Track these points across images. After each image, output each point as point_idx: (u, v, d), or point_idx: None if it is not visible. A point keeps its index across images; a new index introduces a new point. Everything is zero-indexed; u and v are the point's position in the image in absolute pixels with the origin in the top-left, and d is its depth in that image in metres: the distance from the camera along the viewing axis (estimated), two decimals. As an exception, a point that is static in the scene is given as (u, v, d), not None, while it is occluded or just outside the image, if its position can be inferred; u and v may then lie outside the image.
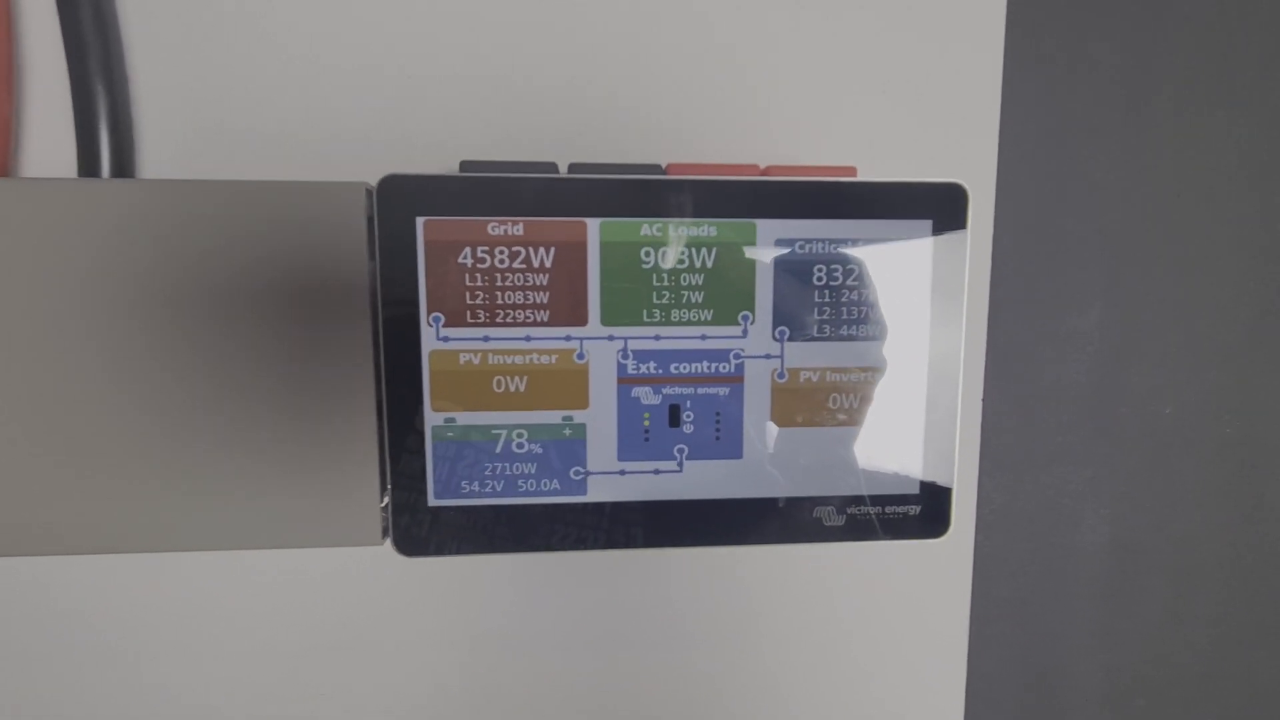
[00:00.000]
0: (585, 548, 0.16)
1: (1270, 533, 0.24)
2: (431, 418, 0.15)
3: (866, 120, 0.21)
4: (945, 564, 0.23)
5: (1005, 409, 0.23)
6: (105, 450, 0.14)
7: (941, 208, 0.16)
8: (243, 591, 0.21)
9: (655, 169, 0.16)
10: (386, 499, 0.15)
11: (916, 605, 0.23)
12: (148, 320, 0.14)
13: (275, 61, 0.19)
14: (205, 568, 0.21)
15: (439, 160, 0.20)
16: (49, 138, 0.18)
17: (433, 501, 0.15)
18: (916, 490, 0.16)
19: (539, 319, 0.15)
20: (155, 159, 0.19)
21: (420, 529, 0.15)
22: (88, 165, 0.17)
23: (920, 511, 0.16)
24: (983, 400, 0.23)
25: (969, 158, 0.21)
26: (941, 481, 0.16)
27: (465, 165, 0.16)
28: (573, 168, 0.16)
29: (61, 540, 0.14)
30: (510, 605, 0.22)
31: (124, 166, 0.17)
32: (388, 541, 0.15)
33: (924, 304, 0.16)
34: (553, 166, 0.16)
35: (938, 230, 0.16)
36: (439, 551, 0.15)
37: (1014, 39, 0.21)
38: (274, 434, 0.15)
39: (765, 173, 0.17)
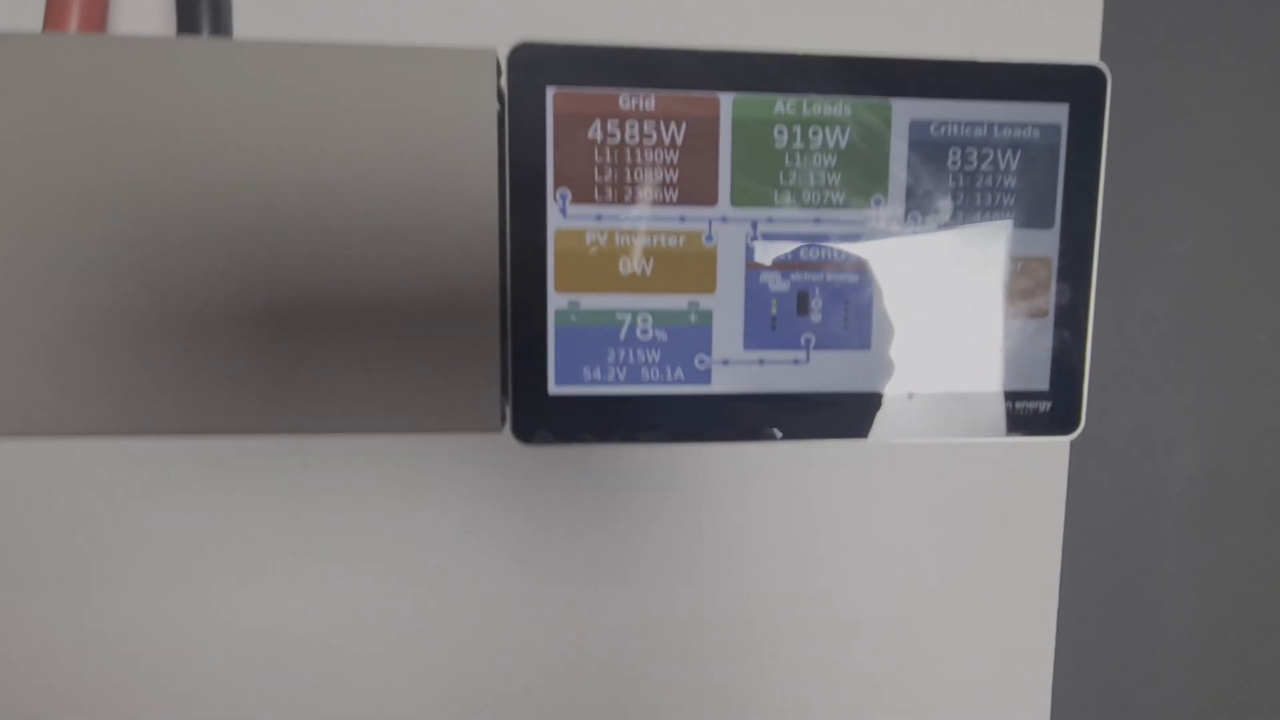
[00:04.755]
0: (707, 440, 0.15)
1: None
2: (555, 300, 0.14)
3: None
4: (1038, 493, 0.22)
5: (1097, 336, 0.22)
6: (224, 331, 0.14)
7: (1079, 91, 0.15)
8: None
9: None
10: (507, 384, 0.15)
11: (1009, 534, 0.22)
12: (254, 190, 0.14)
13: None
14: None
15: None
16: None
17: (554, 389, 0.15)
18: (1047, 386, 0.16)
19: (668, 198, 0.14)
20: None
21: (540, 417, 0.15)
22: (187, 22, 0.16)
23: (1051, 407, 0.16)
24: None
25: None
26: (1073, 376, 0.16)
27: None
28: None
29: (193, 420, 0.14)
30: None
31: (221, 24, 0.16)
32: (507, 428, 0.15)
33: (1058, 193, 0.15)
34: None
35: (1074, 115, 0.15)
36: (558, 440, 0.15)
37: None
38: (392, 318, 0.14)
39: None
